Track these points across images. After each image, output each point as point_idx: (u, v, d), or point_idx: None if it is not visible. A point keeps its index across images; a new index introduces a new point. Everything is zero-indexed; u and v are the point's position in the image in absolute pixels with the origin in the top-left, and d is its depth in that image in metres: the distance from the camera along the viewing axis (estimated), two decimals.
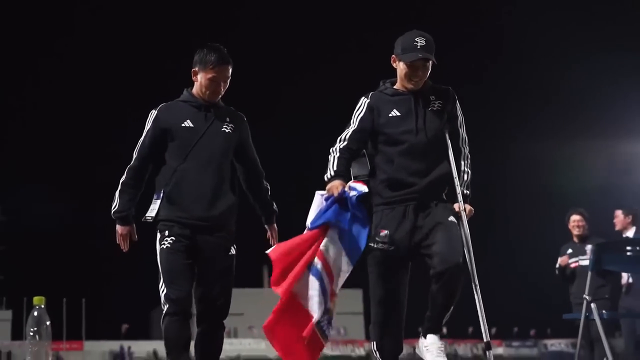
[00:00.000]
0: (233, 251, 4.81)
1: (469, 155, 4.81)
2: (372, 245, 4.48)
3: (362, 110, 4.60)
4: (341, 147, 4.56)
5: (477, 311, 4.50)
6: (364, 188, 4.46)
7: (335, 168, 4.50)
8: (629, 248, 6.99)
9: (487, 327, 4.48)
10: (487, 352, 4.42)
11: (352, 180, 4.65)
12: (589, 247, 8.23)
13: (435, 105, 4.60)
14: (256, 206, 5.12)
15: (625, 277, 8.70)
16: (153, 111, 4.81)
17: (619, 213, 9.05)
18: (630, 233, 8.90)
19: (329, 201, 4.45)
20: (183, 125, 4.68)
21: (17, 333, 59.42)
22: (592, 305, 5.66)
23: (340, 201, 4.42)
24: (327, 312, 4.38)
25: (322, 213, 4.46)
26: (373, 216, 4.53)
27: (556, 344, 65.37)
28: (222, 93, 4.83)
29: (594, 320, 5.71)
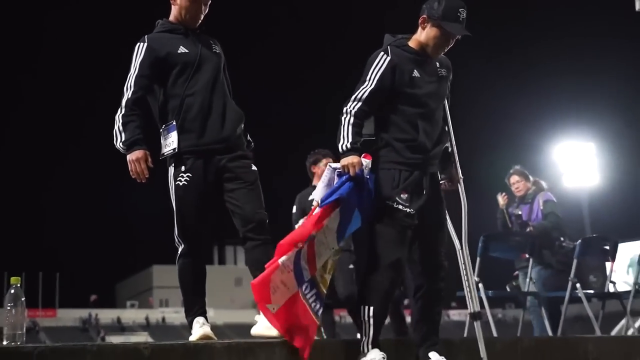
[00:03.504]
0: (254, 167, 4.07)
1: None
2: (392, 204, 3.70)
3: (382, 67, 3.77)
4: (356, 109, 3.73)
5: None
6: (369, 164, 3.72)
7: (350, 139, 3.68)
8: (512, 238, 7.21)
9: (475, 299, 4.01)
10: (475, 322, 3.99)
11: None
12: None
13: (442, 72, 3.95)
14: None
15: None
16: (141, 44, 4.03)
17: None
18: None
19: (343, 178, 3.67)
20: (179, 52, 3.99)
21: None
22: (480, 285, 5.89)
23: (354, 179, 3.63)
24: (313, 286, 3.64)
25: (335, 189, 3.67)
26: (385, 172, 3.76)
27: (456, 314, 66.34)
28: (202, 18, 4.13)
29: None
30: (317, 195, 3.76)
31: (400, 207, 3.67)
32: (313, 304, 3.62)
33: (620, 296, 7.42)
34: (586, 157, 28.14)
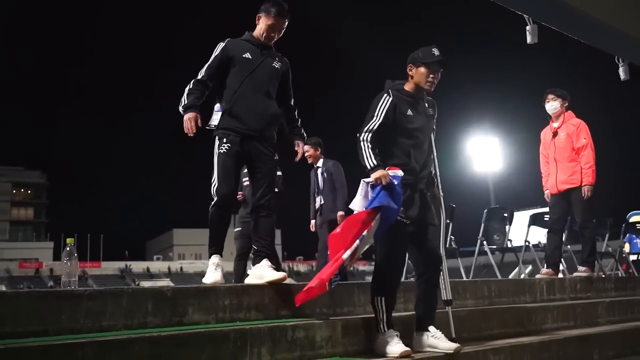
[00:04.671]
0: (276, 157, 4.05)
1: None
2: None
3: (386, 106, 3.66)
4: (370, 138, 3.61)
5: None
6: (400, 173, 3.56)
7: (374, 159, 3.56)
8: None
9: (448, 289, 3.79)
10: (447, 308, 3.77)
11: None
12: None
13: (430, 111, 3.84)
14: (284, 122, 4.25)
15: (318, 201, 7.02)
16: (221, 43, 4.07)
17: (308, 147, 6.84)
18: (320, 163, 7.07)
19: (376, 189, 3.51)
20: (244, 56, 3.99)
21: (57, 256, 58.71)
22: None
23: (386, 188, 3.48)
24: (340, 272, 3.45)
25: (373, 199, 3.50)
26: None
27: None
28: (275, 39, 4.11)
29: None
30: (356, 206, 3.62)
31: (399, 218, 3.54)
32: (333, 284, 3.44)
33: (515, 250, 7.56)
34: (492, 148, 28.41)
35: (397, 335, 3.47)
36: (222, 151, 3.90)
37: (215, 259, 3.88)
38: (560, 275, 6.38)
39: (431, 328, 3.58)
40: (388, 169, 3.55)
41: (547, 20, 7.51)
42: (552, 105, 6.33)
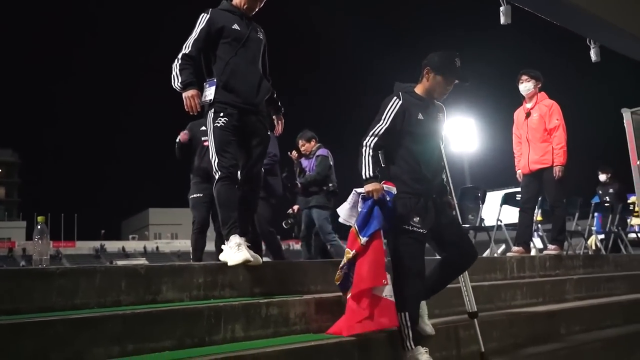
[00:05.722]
0: (268, 131, 3.98)
1: None
2: (408, 227, 3.42)
3: (394, 110, 3.49)
4: (373, 144, 3.45)
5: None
6: (394, 190, 3.43)
7: (371, 170, 3.40)
8: None
9: (472, 299, 3.74)
10: (475, 320, 3.74)
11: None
12: None
13: (440, 117, 3.68)
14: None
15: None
16: (204, 14, 3.85)
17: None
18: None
19: (368, 202, 3.35)
20: (233, 27, 3.82)
21: (30, 236, 58.27)
22: None
23: (377, 202, 3.34)
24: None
25: (365, 217, 3.32)
26: (399, 201, 3.44)
27: None
28: (256, 10, 3.99)
29: None
30: (342, 214, 3.49)
31: (415, 228, 3.41)
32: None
33: (487, 229, 7.67)
34: (468, 129, 28.66)
35: (426, 351, 3.35)
36: (218, 124, 3.72)
37: (236, 238, 3.57)
38: (534, 253, 6.51)
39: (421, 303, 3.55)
40: (383, 184, 3.40)
41: (521, 2, 7.56)
42: (526, 86, 6.40)
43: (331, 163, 7.25)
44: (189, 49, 3.78)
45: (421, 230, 3.43)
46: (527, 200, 6.39)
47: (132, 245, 69.77)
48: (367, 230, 3.29)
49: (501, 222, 7.50)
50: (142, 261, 50.65)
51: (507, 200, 7.50)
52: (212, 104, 3.75)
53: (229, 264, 3.45)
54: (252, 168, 3.85)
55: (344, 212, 3.48)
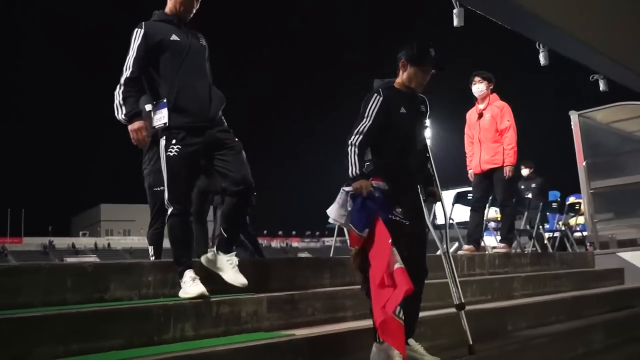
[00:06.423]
0: (236, 138, 3.60)
1: None
2: (392, 217, 3.38)
3: (376, 106, 3.47)
4: (359, 142, 3.41)
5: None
6: (384, 186, 3.40)
7: (358, 167, 3.37)
8: None
9: (459, 292, 3.70)
10: (460, 312, 3.69)
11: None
12: None
13: (422, 108, 3.65)
14: None
15: None
16: (138, 29, 3.52)
17: None
18: None
19: (357, 199, 3.31)
20: (172, 39, 3.52)
21: None
22: None
23: (367, 199, 3.30)
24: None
25: (358, 213, 3.28)
26: (382, 193, 3.42)
27: (330, 240, 67.78)
28: (193, 12, 3.70)
29: None
30: (332, 214, 3.42)
31: (398, 219, 3.37)
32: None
33: (440, 227, 7.77)
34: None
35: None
36: (170, 154, 3.43)
37: (190, 273, 3.35)
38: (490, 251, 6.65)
39: (410, 341, 3.47)
40: (372, 180, 3.37)
41: (473, 4, 7.70)
42: (478, 87, 6.53)
43: None
44: (130, 69, 3.49)
45: (404, 221, 3.40)
46: (478, 199, 6.53)
47: (83, 241, 68.31)
48: (363, 223, 3.25)
49: (453, 220, 7.62)
50: (93, 258, 49.63)
51: (459, 199, 7.63)
52: (164, 130, 3.47)
53: (183, 296, 3.28)
54: (237, 175, 3.48)
55: (334, 212, 3.42)
